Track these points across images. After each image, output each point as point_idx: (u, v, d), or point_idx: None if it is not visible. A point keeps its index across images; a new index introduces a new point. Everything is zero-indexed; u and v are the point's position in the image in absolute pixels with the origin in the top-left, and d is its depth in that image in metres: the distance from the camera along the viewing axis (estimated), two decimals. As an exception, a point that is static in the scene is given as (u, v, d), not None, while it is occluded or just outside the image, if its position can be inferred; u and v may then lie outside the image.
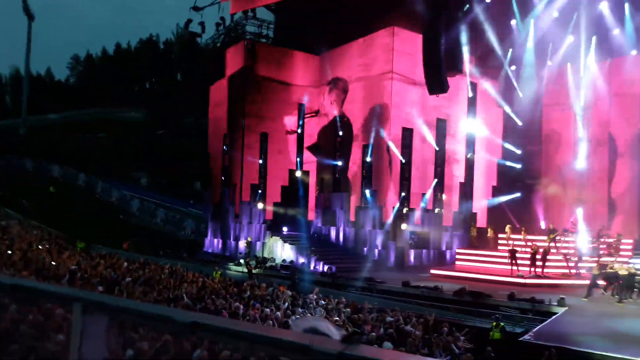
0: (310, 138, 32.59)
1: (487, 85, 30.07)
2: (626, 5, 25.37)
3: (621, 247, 24.58)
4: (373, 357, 1.55)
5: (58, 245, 24.81)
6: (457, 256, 27.37)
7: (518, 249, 23.44)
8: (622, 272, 18.55)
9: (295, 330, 1.89)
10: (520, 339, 13.21)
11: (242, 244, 30.12)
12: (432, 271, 24.71)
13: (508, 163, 30.47)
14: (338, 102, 30.89)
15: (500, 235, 27.46)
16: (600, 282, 19.59)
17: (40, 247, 22.23)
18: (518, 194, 29.74)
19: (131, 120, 68.58)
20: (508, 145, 30.52)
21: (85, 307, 2.21)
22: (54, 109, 72.41)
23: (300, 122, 32.08)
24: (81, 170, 54.51)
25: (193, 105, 55.32)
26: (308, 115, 32.37)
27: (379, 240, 27.81)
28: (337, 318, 12.95)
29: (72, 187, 52.41)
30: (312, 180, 32.60)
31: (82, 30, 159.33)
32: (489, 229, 28.44)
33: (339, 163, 30.83)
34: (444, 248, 29.21)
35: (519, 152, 30.37)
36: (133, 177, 57.36)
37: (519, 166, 30.39)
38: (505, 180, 31.11)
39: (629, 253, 24.53)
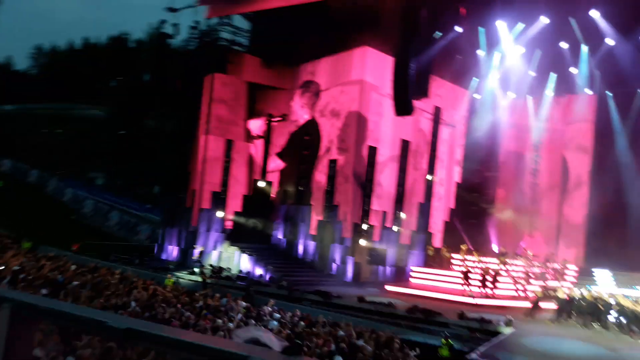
0: (276, 147, 32.40)
1: (451, 109, 30.79)
2: (582, 47, 26.53)
3: (565, 272, 25.64)
4: (312, 372, 1.51)
5: (1, 244, 23.68)
6: (412, 274, 27.73)
7: (471, 269, 24.00)
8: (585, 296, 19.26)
9: (237, 341, 1.82)
10: (467, 356, 13.42)
11: (196, 252, 29.58)
12: (387, 287, 24.94)
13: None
14: (309, 106, 30.76)
15: (454, 255, 28.12)
16: (547, 306, 20.22)
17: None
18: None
19: (92, 117, 66.74)
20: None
21: (14, 309, 2.07)
22: (11, 99, 69.77)
23: (266, 129, 31.84)
24: (35, 166, 52.57)
25: (158, 106, 54.34)
26: (275, 120, 32.11)
27: (337, 255, 27.82)
28: (290, 331, 12.81)
29: (22, 183, 50.46)
30: (275, 190, 32.38)
31: (49, 21, 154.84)
32: (444, 249, 29.03)
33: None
34: (400, 265, 29.48)
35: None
36: (89, 176, 55.70)
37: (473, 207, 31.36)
38: (462, 203, 31.94)
39: (573, 279, 25.50)
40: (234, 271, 27.53)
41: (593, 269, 25.94)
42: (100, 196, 47.74)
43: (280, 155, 32.11)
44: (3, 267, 15.15)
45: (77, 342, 6.67)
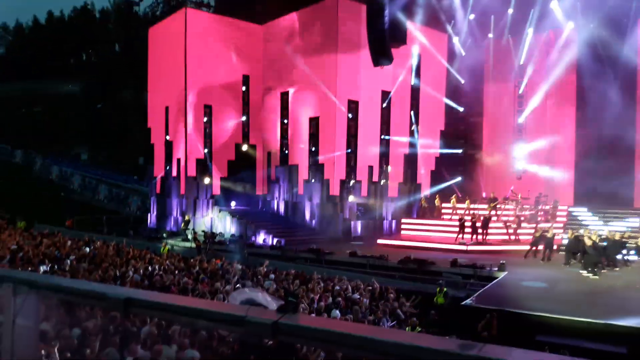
0: (257, 111, 32.11)
1: (431, 55, 30.51)
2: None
3: (557, 213, 26.03)
4: (307, 325, 1.59)
5: (-4, 225, 23.64)
6: (403, 226, 28.12)
7: (467, 217, 24.36)
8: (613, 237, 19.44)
9: (232, 303, 1.91)
10: (463, 303, 13.79)
11: (183, 220, 29.78)
12: (379, 241, 25.30)
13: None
14: (287, 63, 30.18)
15: (444, 205, 28.47)
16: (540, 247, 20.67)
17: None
18: (459, 178, 30.79)
19: (68, 93, 65.31)
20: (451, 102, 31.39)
21: (16, 287, 2.14)
22: (-18, 81, 67.89)
23: (244, 90, 31.42)
24: (18, 147, 51.87)
25: (132, 77, 53.22)
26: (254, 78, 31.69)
27: (326, 213, 28.12)
28: (285, 289, 13.09)
29: (8, 164, 49.88)
30: (259, 154, 32.33)
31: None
32: (436, 199, 29.19)
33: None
34: (389, 218, 29.93)
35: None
36: (73, 152, 55.05)
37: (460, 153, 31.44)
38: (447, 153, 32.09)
39: (564, 219, 25.96)
40: (227, 235, 27.81)
41: (574, 210, 26.54)
42: (87, 171, 47.40)
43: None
44: (1, 247, 15.18)
45: (81, 314, 6.80)
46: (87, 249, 17.39)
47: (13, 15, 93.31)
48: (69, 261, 14.06)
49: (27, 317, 2.22)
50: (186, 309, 1.77)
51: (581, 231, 20.70)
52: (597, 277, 16.99)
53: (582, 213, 26.43)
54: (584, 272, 17.51)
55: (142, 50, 34.26)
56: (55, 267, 12.91)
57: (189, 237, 26.66)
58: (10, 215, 28.29)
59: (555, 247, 20.79)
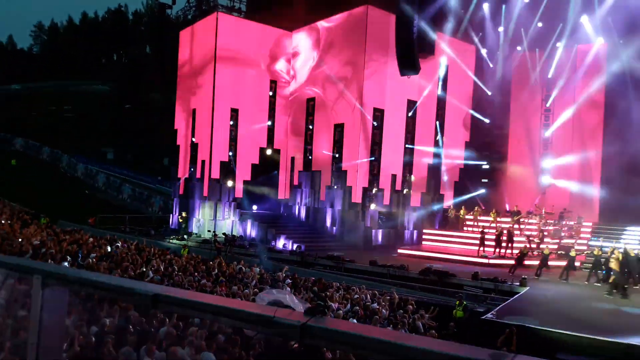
0: (282, 116, 32.29)
1: (459, 66, 30.32)
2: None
3: (581, 229, 25.48)
4: (335, 328, 1.57)
5: (21, 220, 24.16)
6: (424, 236, 27.84)
7: (487, 230, 23.99)
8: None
9: (260, 303, 1.89)
10: (483, 317, 13.56)
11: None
12: (400, 251, 25.08)
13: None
14: (313, 69, 30.26)
15: (467, 217, 28.06)
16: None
17: (1, 222, 21.63)
18: (482, 190, 30.39)
19: (98, 93, 66.73)
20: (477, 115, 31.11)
21: (45, 280, 2.15)
22: (16, 78, 69.83)
23: (271, 94, 31.66)
24: (45, 144, 53.02)
25: (161, 79, 54.11)
26: (282, 84, 31.93)
27: (348, 220, 28.04)
28: (305, 295, 13.06)
29: (35, 160, 51.03)
30: (283, 158, 32.46)
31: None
32: (462, 210, 28.67)
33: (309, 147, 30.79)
34: (411, 228, 29.69)
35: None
36: (99, 151, 56.10)
37: (484, 165, 30.94)
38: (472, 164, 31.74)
39: (588, 236, 25.41)
40: (247, 239, 27.93)
41: (600, 226, 25.94)
42: (112, 170, 48.20)
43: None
44: (25, 242, 15.49)
45: (100, 311, 6.87)
46: (109, 248, 17.65)
47: (49, 15, 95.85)
48: (90, 259, 14.26)
49: (55, 311, 2.23)
50: (214, 307, 1.76)
51: (606, 249, 20.13)
52: (626, 299, 16.45)
53: (608, 229, 25.82)
54: (609, 295, 16.88)
55: (173, 52, 34.79)
56: (76, 264, 13.12)
57: (209, 238, 26.92)
58: (35, 211, 28.89)
59: (578, 264, 20.26)
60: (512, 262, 20.86)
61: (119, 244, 18.98)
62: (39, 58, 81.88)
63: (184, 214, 31.08)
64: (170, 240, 27.45)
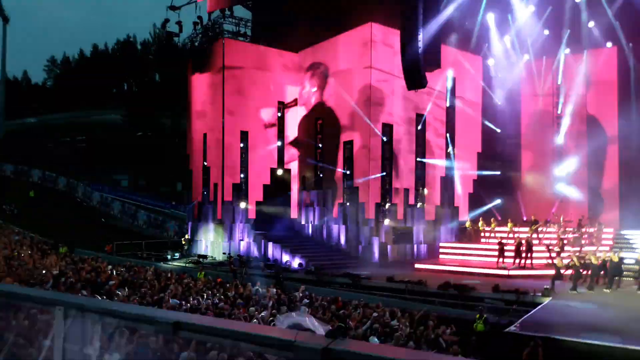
0: (291, 134, 32.47)
1: (466, 78, 30.37)
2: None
3: (602, 236, 25.02)
4: (358, 350, 1.55)
5: (40, 251, 24.43)
6: (441, 250, 27.57)
7: (505, 241, 23.68)
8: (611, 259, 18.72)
9: (280, 327, 1.89)
10: (506, 330, 13.33)
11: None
12: (417, 265, 24.85)
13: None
14: (320, 88, 30.58)
15: (485, 229, 27.73)
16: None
17: (22, 253, 21.87)
18: (498, 201, 30.11)
19: (110, 122, 67.74)
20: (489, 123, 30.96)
21: (67, 311, 2.18)
22: (31, 112, 71.26)
23: (279, 116, 31.91)
24: (61, 174, 53.80)
25: (171, 105, 54.87)
26: (289, 105, 32.17)
27: (362, 237, 27.91)
28: (323, 315, 12.96)
29: (52, 191, 51.76)
30: (294, 178, 32.54)
31: (57, 32, 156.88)
32: (480, 221, 28.30)
33: (319, 163, 30.86)
34: (427, 242, 29.42)
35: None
36: (113, 179, 56.72)
37: (498, 175, 30.71)
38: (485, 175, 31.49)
39: (610, 242, 24.93)
40: (261, 259, 27.90)
41: (624, 232, 25.49)
42: (127, 197, 48.66)
43: (295, 142, 32.19)
44: (45, 272, 15.63)
45: (120, 339, 6.88)
46: (127, 274, 17.73)
47: (61, 49, 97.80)
48: (107, 286, 14.33)
49: (77, 341, 2.25)
50: (234, 332, 1.76)
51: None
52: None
53: (633, 235, 25.39)
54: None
55: (181, 79, 35.31)
56: (95, 292, 13.19)
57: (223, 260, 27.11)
58: (54, 241, 29.21)
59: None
60: (531, 272, 20.62)
61: (136, 269, 19.06)
62: (52, 91, 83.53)
63: (187, 236, 31.56)
64: (171, 263, 27.88)
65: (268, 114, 31.38)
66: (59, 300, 2.16)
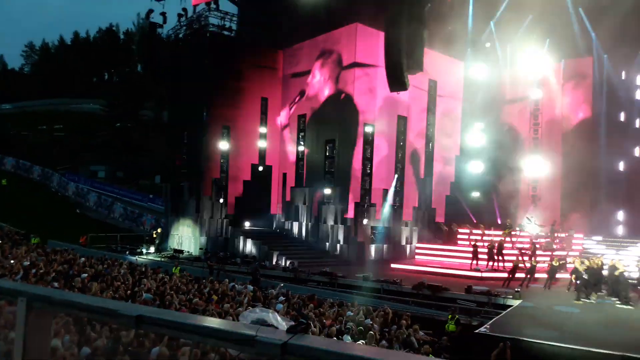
0: (274, 133, 32.39)
1: (448, 81, 30.66)
2: (580, 10, 26.36)
3: (572, 242, 25.60)
4: (317, 346, 1.58)
5: (11, 241, 23.95)
6: (417, 251, 27.84)
7: (480, 244, 24.03)
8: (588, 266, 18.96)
9: (243, 322, 1.91)
10: (476, 330, 13.52)
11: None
12: (392, 265, 25.05)
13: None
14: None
15: (461, 231, 28.13)
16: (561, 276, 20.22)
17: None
18: (475, 202, 30.53)
19: (89, 111, 66.73)
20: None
21: (30, 302, 2.16)
22: (7, 98, 69.73)
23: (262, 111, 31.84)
24: (36, 163, 52.82)
25: (153, 97, 54.28)
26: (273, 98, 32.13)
27: (340, 236, 28.01)
28: (297, 312, 12.98)
29: (26, 180, 50.77)
30: (275, 175, 32.49)
31: (37, 17, 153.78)
32: (454, 224, 28.70)
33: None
34: (403, 242, 29.65)
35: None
36: (91, 170, 55.93)
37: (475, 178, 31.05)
38: (461, 176, 31.81)
39: (580, 247, 25.52)
40: (239, 256, 27.80)
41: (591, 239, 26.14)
42: (103, 189, 47.98)
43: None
44: (13, 262, 15.34)
45: (91, 332, 6.81)
46: (100, 267, 17.49)
47: (40, 35, 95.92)
48: (80, 279, 14.11)
49: (40, 333, 2.23)
50: (196, 327, 1.78)
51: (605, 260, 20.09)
52: (631, 307, 16.65)
53: (598, 242, 26.03)
54: (618, 303, 17.08)
55: (163, 71, 34.94)
56: (67, 284, 12.98)
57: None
58: (26, 231, 28.68)
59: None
60: (504, 275, 20.88)
61: (110, 262, 18.83)
62: (30, 77, 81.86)
63: (159, 230, 31.34)
64: (145, 257, 27.66)
65: (251, 109, 31.28)
66: (23, 292, 2.15)
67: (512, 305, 16.92)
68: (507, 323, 14.37)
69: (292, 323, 1.86)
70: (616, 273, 17.66)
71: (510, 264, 21.45)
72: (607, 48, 27.19)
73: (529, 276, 20.06)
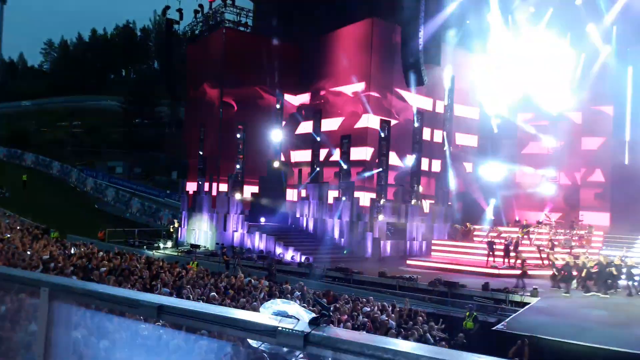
0: (290, 129, 32.43)
1: (465, 76, 30.37)
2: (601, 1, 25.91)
3: (592, 239, 25.18)
4: (338, 337, 1.57)
5: (31, 235, 24.31)
6: (433, 247, 27.64)
7: (496, 240, 23.79)
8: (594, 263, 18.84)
9: (264, 314, 1.90)
10: (494, 328, 13.41)
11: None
12: (408, 262, 24.93)
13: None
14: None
15: (477, 227, 27.83)
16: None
17: (12, 236, 21.76)
18: (493, 200, 30.12)
19: (107, 108, 67.45)
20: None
21: (53, 292, 2.17)
22: (27, 95, 70.78)
23: (278, 107, 31.86)
24: (55, 159, 53.59)
25: (170, 94, 54.60)
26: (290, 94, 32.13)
27: (356, 232, 27.94)
28: (313, 307, 13.00)
29: (45, 175, 51.53)
30: (291, 171, 32.53)
31: (56, 15, 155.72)
32: (468, 223, 28.39)
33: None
34: (420, 239, 29.49)
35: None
36: (108, 166, 56.59)
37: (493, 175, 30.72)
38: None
39: (600, 245, 25.09)
40: (255, 251, 27.92)
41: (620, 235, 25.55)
42: (121, 184, 48.52)
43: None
44: (35, 256, 15.58)
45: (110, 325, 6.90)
46: (119, 261, 17.68)
47: (59, 32, 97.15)
48: (98, 272, 14.27)
49: (62, 323, 2.25)
50: (218, 317, 1.77)
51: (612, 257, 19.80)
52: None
53: (619, 239, 25.50)
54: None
55: (180, 67, 35.18)
56: (86, 278, 13.14)
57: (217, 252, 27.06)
58: (45, 226, 29.11)
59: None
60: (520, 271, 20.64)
61: (128, 257, 19.03)
62: (49, 75, 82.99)
63: (176, 224, 31.37)
64: (162, 251, 27.88)
65: (267, 105, 31.34)
66: (45, 282, 2.16)
67: (529, 303, 16.74)
68: (524, 320, 14.23)
69: (314, 315, 1.84)
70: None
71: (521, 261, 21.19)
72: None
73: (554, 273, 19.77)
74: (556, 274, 19.52)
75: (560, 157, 29.40)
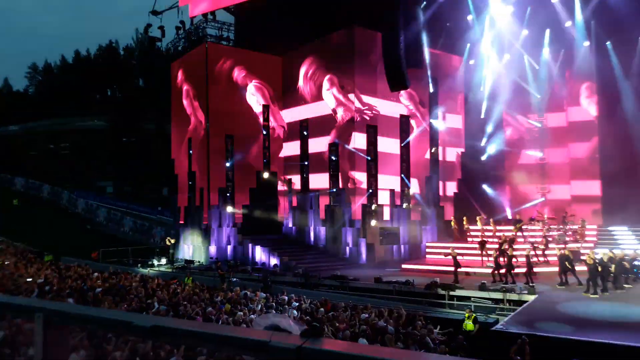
0: (277, 139, 32.49)
1: (448, 78, 30.64)
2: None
3: (586, 232, 25.27)
4: (330, 349, 1.60)
5: (25, 259, 24.13)
6: (427, 250, 27.68)
7: (488, 239, 23.83)
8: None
9: (256, 328, 1.93)
10: (493, 328, 13.43)
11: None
12: (403, 266, 24.94)
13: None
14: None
15: (471, 227, 27.87)
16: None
17: (7, 262, 21.60)
18: (485, 197, 30.36)
19: (94, 128, 67.18)
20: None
21: (47, 318, 2.19)
22: (13, 120, 70.40)
23: (264, 119, 31.88)
24: (45, 182, 53.28)
25: (155, 110, 54.59)
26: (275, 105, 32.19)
27: (349, 238, 27.96)
28: (309, 317, 12.98)
29: (36, 199, 51.19)
30: (280, 181, 32.52)
31: (39, 38, 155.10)
32: (464, 221, 28.40)
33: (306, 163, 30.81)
34: (414, 242, 29.51)
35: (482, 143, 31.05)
36: (99, 186, 56.30)
37: (483, 158, 30.95)
38: (469, 172, 31.65)
39: (594, 239, 25.17)
40: (250, 263, 27.83)
41: (611, 228, 25.73)
42: (112, 204, 48.28)
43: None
44: (30, 281, 15.48)
45: (107, 346, 6.87)
46: (114, 281, 17.59)
47: (43, 55, 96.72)
48: (92, 294, 14.20)
49: (58, 348, 2.26)
50: (210, 335, 1.79)
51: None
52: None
53: (612, 232, 25.70)
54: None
55: (165, 83, 35.19)
56: (82, 300, 13.07)
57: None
58: (39, 250, 28.90)
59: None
60: (517, 270, 20.70)
61: (123, 276, 18.92)
62: (34, 98, 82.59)
63: (172, 241, 31.21)
64: (157, 269, 27.68)
65: (252, 117, 31.37)
66: (39, 307, 2.18)
67: (527, 301, 16.78)
68: (523, 319, 14.25)
69: (305, 327, 1.87)
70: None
71: (523, 259, 21.23)
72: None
73: (531, 269, 19.83)
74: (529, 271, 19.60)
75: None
